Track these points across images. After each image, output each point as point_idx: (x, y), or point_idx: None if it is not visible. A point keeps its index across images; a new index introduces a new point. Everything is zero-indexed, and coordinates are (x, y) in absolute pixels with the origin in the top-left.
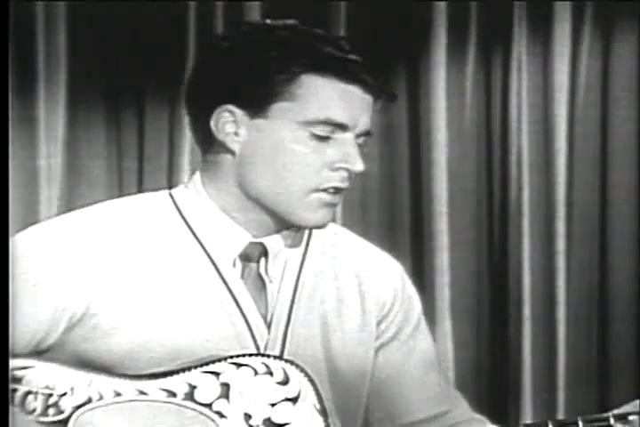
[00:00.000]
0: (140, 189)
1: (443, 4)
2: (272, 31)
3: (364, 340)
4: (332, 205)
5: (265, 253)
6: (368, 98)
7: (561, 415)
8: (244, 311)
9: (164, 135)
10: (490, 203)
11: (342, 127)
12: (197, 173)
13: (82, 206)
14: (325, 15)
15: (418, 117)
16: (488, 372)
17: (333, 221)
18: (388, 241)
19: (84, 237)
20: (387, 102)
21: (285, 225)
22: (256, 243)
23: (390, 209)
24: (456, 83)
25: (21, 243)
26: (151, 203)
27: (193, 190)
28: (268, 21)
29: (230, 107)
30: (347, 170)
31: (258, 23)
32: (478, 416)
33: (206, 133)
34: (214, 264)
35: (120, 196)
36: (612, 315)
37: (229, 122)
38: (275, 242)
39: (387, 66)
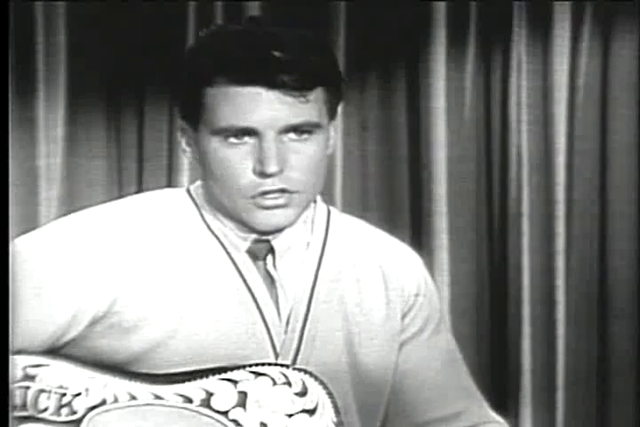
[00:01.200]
0: (140, 189)
1: (443, 4)
2: (194, 44)
3: (389, 334)
4: (282, 207)
5: (272, 250)
6: (276, 93)
7: (560, 415)
8: (263, 311)
9: (163, 135)
10: (489, 202)
11: (251, 131)
12: None
13: (81, 206)
14: (325, 15)
15: (417, 117)
16: (488, 372)
17: None
18: None
19: (107, 234)
20: (330, 86)
21: (254, 231)
22: (262, 240)
23: (389, 209)
24: (455, 83)
25: (38, 242)
26: (170, 199)
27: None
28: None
29: (182, 123)
30: (262, 173)
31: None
32: (499, 419)
33: None
34: (234, 263)
35: (120, 196)
36: (612, 315)
37: (185, 138)
38: (283, 239)
39: (385, 65)
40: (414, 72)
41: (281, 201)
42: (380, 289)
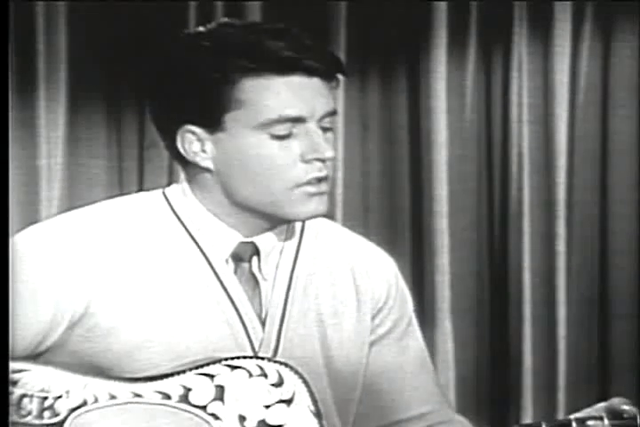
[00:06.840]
0: (140, 190)
1: (443, 4)
2: (201, 40)
3: (360, 335)
4: (321, 194)
5: (257, 252)
6: (315, 81)
7: (561, 415)
8: (240, 311)
9: None
10: (490, 203)
11: (299, 120)
12: (184, 182)
13: (81, 206)
14: (325, 15)
15: (418, 117)
16: (488, 372)
17: (333, 220)
18: (388, 241)
19: (82, 237)
20: (341, 75)
21: (278, 222)
22: (247, 242)
23: (390, 209)
24: (456, 83)
25: (19, 243)
26: (146, 202)
27: (184, 192)
28: (201, 28)
29: (190, 127)
30: (318, 159)
31: (191, 32)
32: (459, 418)
33: (178, 152)
34: (210, 263)
35: (120, 196)
36: (612, 315)
37: (194, 141)
38: (266, 240)
39: (385, 65)
40: (415, 72)
41: (323, 188)
42: (351, 292)
